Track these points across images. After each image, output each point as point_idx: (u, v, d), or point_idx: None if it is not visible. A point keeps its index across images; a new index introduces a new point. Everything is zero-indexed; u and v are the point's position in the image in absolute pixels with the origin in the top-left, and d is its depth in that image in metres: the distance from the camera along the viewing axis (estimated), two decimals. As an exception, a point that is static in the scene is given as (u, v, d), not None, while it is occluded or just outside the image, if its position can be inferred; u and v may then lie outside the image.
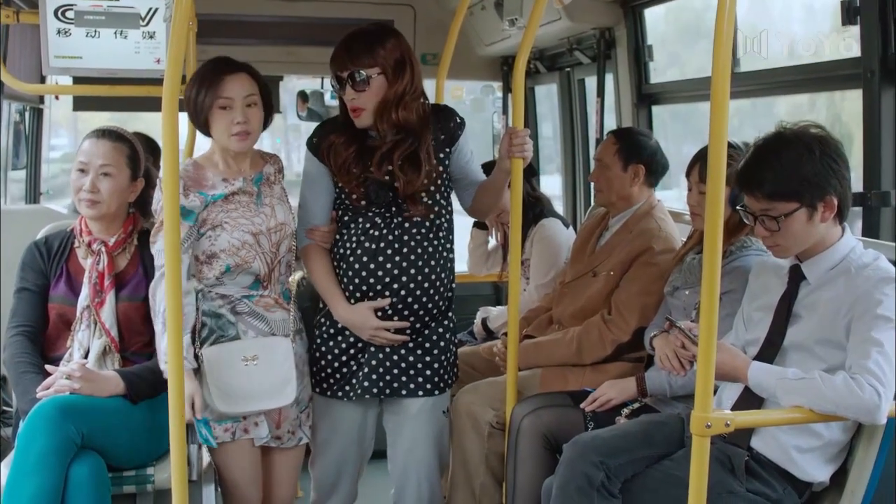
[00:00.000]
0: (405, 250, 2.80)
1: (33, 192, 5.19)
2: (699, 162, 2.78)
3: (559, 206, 4.73)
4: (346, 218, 2.85)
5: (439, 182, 2.84)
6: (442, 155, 2.85)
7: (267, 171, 2.86)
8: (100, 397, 2.64)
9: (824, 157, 2.31)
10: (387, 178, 2.79)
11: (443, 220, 2.87)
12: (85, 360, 2.75)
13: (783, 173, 2.31)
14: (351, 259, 2.82)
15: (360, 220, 2.82)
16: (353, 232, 2.83)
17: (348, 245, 2.83)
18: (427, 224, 2.82)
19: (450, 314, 2.94)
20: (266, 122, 2.83)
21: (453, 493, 3.18)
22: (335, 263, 2.87)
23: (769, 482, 2.37)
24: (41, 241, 2.94)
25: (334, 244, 2.88)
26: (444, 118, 2.87)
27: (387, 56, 2.73)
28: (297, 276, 2.99)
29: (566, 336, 3.21)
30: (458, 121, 2.89)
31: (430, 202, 2.82)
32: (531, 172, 3.86)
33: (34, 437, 2.49)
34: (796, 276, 2.43)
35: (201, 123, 2.76)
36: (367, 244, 2.80)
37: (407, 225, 2.80)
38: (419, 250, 2.81)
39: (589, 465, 2.42)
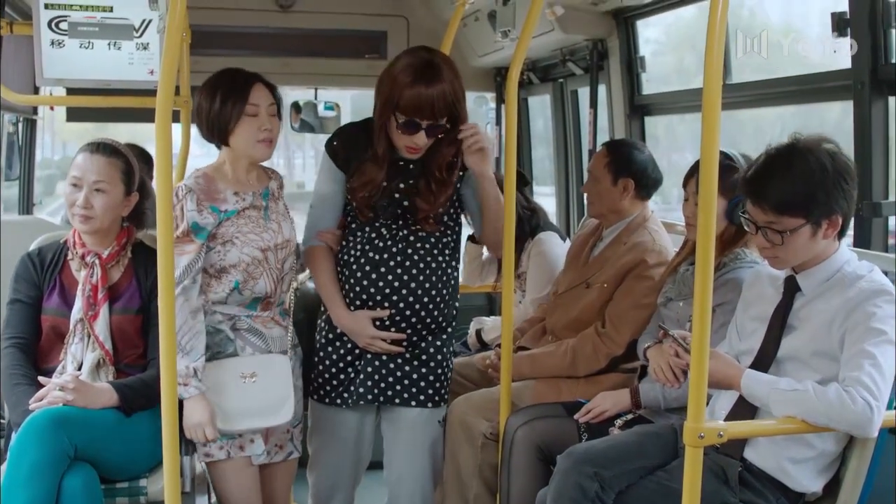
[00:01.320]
0: (407, 263, 2.82)
1: (27, 203, 5.18)
2: (696, 173, 2.78)
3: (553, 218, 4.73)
4: (353, 225, 2.89)
5: (447, 204, 2.87)
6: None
7: (272, 186, 2.88)
8: (93, 409, 2.63)
9: (836, 175, 2.29)
10: (397, 195, 2.82)
11: (449, 238, 2.91)
12: (78, 371, 2.73)
13: (794, 187, 2.30)
14: (354, 267, 2.85)
15: (367, 229, 2.85)
16: (358, 240, 2.86)
17: (353, 253, 2.86)
18: (432, 240, 2.86)
19: (449, 329, 2.95)
20: None
21: (447, 503, 3.17)
22: (339, 269, 2.90)
23: (762, 493, 2.37)
24: (34, 253, 2.92)
25: (340, 250, 2.91)
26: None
27: (460, 108, 2.79)
28: (294, 284, 2.98)
29: (560, 348, 3.21)
30: None
31: (434, 221, 2.84)
32: (523, 183, 3.86)
33: (26, 449, 2.47)
34: (791, 288, 2.43)
35: (222, 133, 2.74)
36: (370, 254, 2.83)
37: (412, 238, 2.84)
38: (421, 265, 2.83)
39: (583, 476, 2.42)
